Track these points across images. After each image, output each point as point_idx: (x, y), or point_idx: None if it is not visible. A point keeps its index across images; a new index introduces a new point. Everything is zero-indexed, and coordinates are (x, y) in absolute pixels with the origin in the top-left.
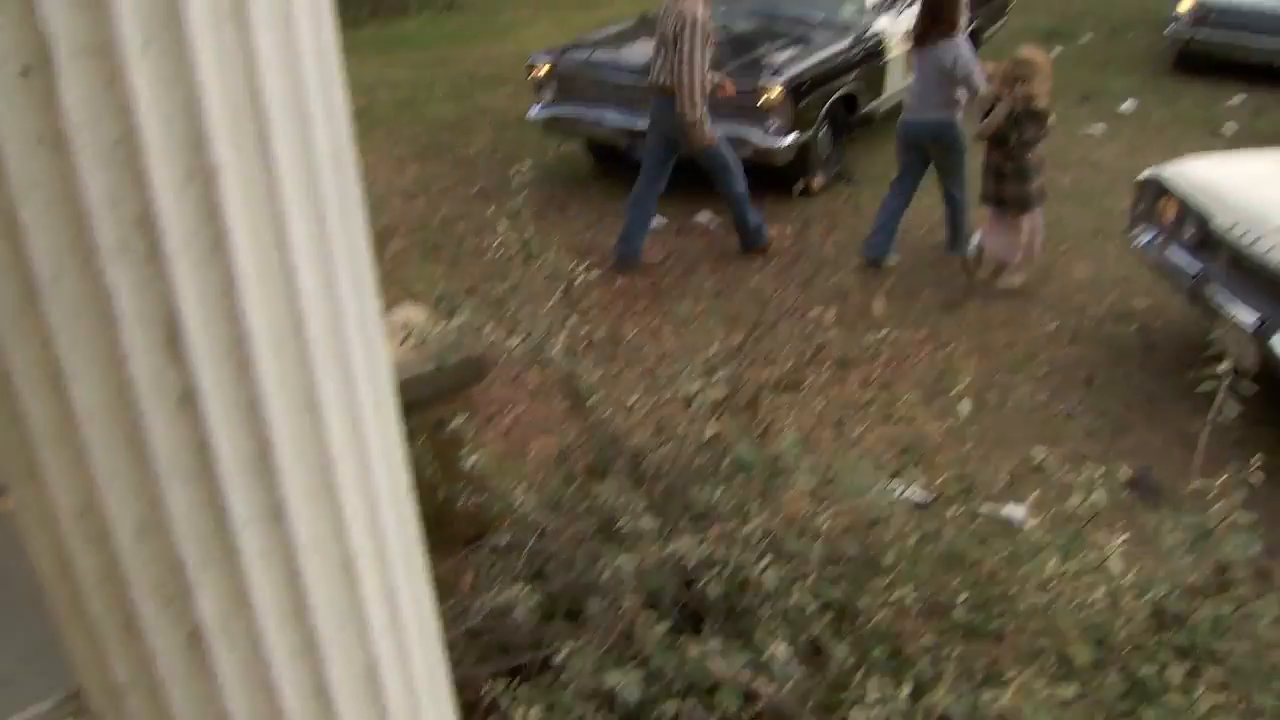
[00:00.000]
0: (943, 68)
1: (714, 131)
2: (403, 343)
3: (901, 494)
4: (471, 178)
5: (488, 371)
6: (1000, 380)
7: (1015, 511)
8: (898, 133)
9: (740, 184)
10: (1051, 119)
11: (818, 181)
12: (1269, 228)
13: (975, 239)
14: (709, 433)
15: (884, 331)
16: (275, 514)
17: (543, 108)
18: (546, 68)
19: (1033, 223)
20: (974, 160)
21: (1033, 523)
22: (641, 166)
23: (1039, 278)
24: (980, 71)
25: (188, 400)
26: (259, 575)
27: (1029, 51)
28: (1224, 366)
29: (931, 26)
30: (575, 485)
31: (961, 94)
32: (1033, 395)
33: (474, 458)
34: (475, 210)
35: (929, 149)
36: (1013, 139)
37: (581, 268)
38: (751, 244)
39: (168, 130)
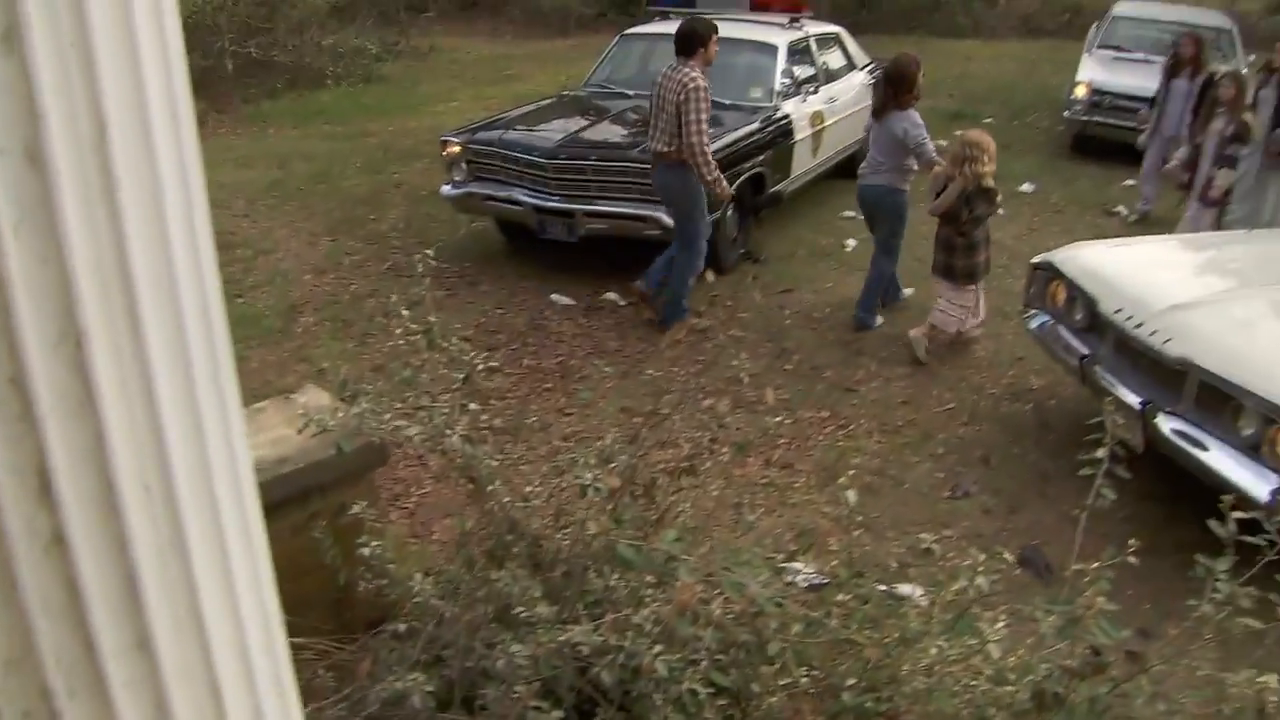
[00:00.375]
0: (895, 138)
1: (729, 188)
2: (303, 429)
3: (796, 578)
4: (384, 253)
5: (389, 456)
6: (899, 460)
7: (908, 591)
8: (857, 195)
9: (700, 262)
10: (999, 196)
11: (710, 275)
12: (1151, 312)
13: (880, 320)
14: (596, 525)
15: (781, 416)
16: (142, 644)
17: (454, 186)
18: (458, 146)
19: (979, 292)
20: (921, 231)
21: (924, 603)
22: (682, 239)
23: (940, 357)
24: (930, 143)
25: (58, 542)
26: (126, 703)
27: (976, 134)
28: (1102, 452)
29: (891, 99)
30: (474, 571)
31: (912, 163)
32: (931, 474)
33: (375, 543)
34: (386, 287)
35: (872, 210)
36: (964, 215)
37: (487, 350)
38: (672, 320)
39: (39, 300)
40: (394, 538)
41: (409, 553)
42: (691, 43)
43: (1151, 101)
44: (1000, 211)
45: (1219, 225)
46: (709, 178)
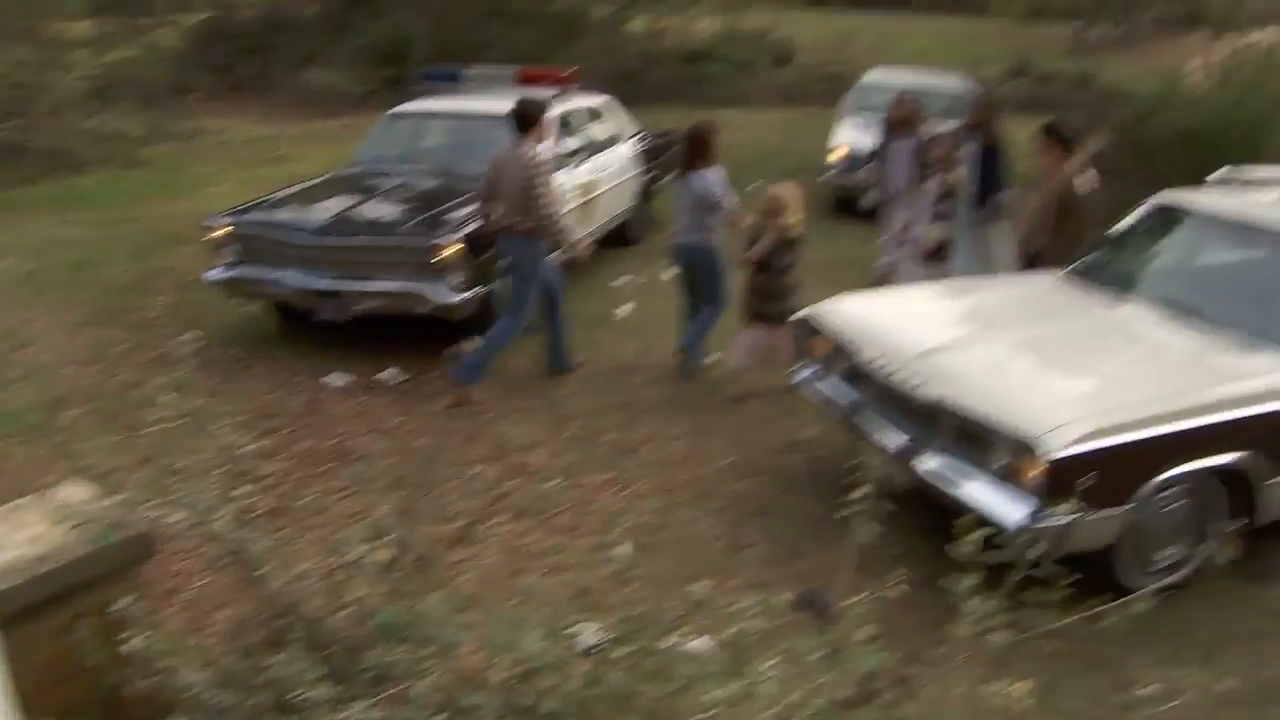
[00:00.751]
0: (698, 196)
1: (590, 247)
2: (63, 525)
3: (577, 640)
4: (151, 341)
5: (155, 548)
6: (680, 516)
7: (694, 644)
8: (670, 253)
9: (515, 326)
10: (803, 245)
11: (470, 346)
12: (905, 359)
13: (710, 358)
14: (363, 594)
15: (557, 480)
16: None
17: (223, 270)
18: (226, 229)
19: (788, 333)
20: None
21: (706, 653)
22: (513, 304)
23: (717, 414)
24: (731, 199)
25: None
26: None
27: (782, 189)
28: (860, 493)
29: (693, 159)
30: (252, 658)
31: (715, 220)
32: (711, 529)
33: (146, 635)
34: (154, 376)
35: (689, 270)
36: (774, 264)
37: (263, 434)
38: (562, 365)
39: None
40: (170, 633)
41: (187, 648)
42: (526, 121)
43: (871, 158)
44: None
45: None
46: (568, 241)
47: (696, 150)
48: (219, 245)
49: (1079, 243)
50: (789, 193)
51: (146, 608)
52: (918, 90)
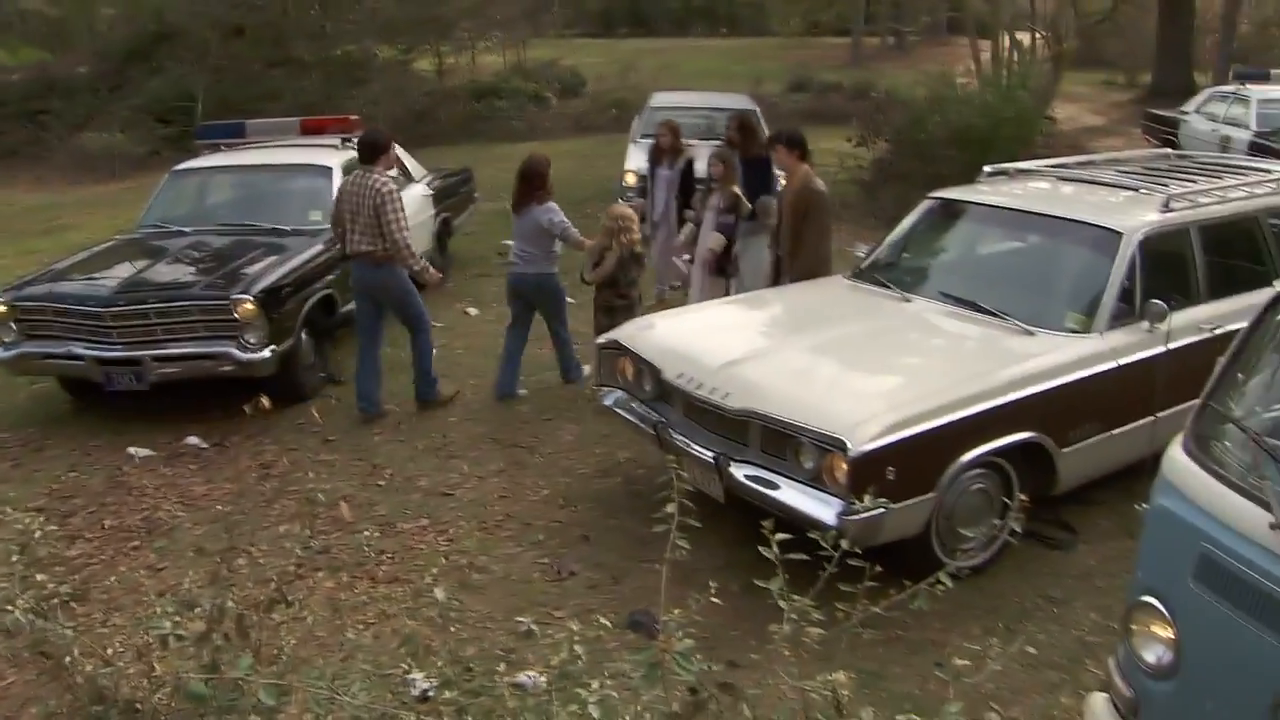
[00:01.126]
0: (540, 227)
1: (436, 273)
2: None
3: (411, 688)
4: None
5: None
6: (501, 553)
7: (522, 678)
8: (507, 285)
9: (428, 336)
10: (647, 260)
11: (265, 401)
12: (708, 372)
13: (587, 369)
14: (176, 670)
15: (373, 530)
16: None
17: (4, 349)
18: (4, 306)
19: None
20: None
21: (535, 685)
22: (359, 330)
23: (528, 446)
24: (572, 226)
25: None
26: None
27: (621, 208)
28: (671, 508)
29: (529, 194)
30: None
31: (558, 247)
32: (534, 562)
33: None
34: None
35: (532, 297)
36: (622, 279)
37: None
38: (428, 395)
39: None
40: None
41: None
42: (374, 150)
43: (643, 190)
44: None
45: (729, 291)
46: (416, 267)
47: (532, 184)
48: (0, 322)
49: (822, 240)
50: (628, 211)
51: None
52: (703, 110)
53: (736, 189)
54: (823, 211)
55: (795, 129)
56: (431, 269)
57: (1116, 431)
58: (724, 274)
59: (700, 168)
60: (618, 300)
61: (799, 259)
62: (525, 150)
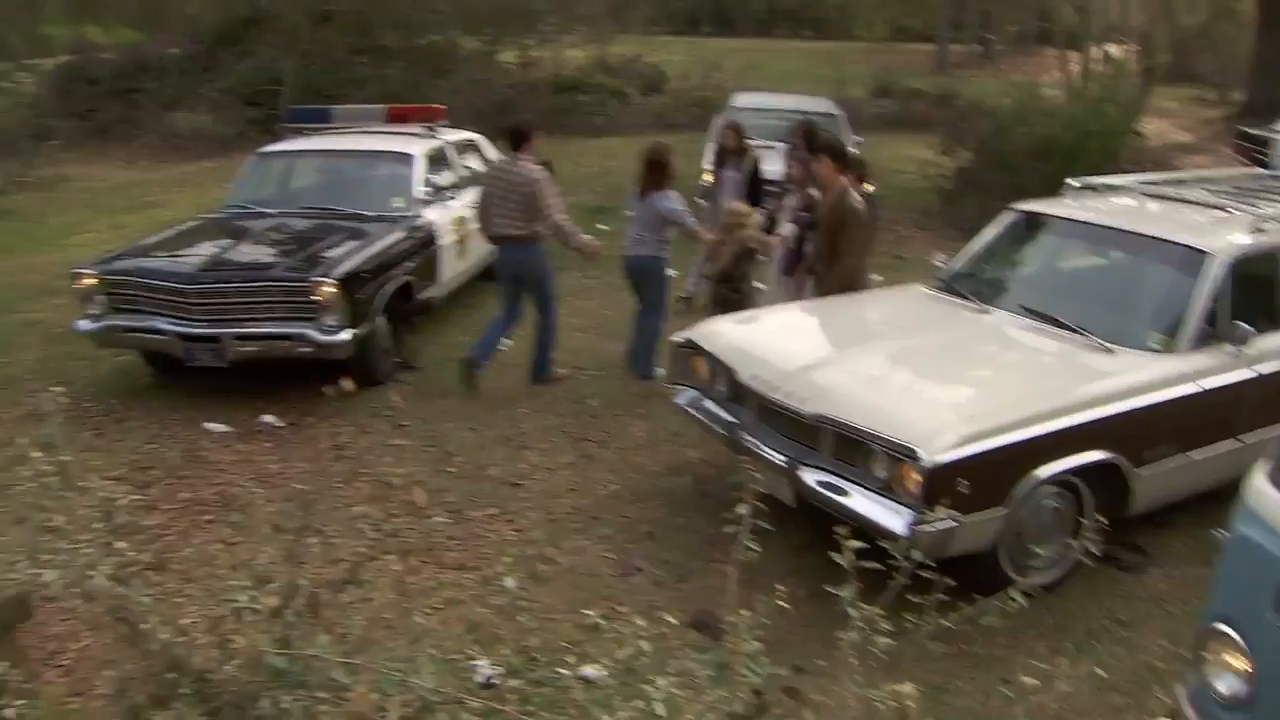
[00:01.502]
0: (658, 214)
1: (599, 244)
2: None
3: (475, 675)
4: (17, 398)
5: (32, 610)
6: (569, 546)
7: (588, 671)
8: (622, 265)
9: (555, 317)
10: (761, 256)
11: (349, 384)
12: (784, 375)
13: (661, 371)
14: (251, 643)
15: (443, 517)
16: None
17: (92, 321)
18: (94, 279)
19: None
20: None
21: (600, 679)
22: (500, 306)
23: (600, 441)
24: (690, 215)
25: None
26: None
27: (738, 205)
28: (742, 509)
29: (652, 182)
30: (138, 719)
31: (670, 234)
32: (600, 556)
33: (20, 703)
34: (22, 433)
35: (638, 278)
36: (736, 274)
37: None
38: (543, 373)
39: None
40: (51, 698)
41: (69, 712)
42: (521, 138)
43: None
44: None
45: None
46: (576, 243)
47: (655, 173)
48: (88, 295)
49: (858, 256)
50: (744, 208)
51: (24, 674)
52: (785, 111)
53: (814, 191)
54: (859, 226)
55: (836, 138)
56: (593, 240)
57: (1195, 455)
58: (796, 276)
59: (768, 169)
60: (731, 294)
61: (831, 274)
62: (606, 145)
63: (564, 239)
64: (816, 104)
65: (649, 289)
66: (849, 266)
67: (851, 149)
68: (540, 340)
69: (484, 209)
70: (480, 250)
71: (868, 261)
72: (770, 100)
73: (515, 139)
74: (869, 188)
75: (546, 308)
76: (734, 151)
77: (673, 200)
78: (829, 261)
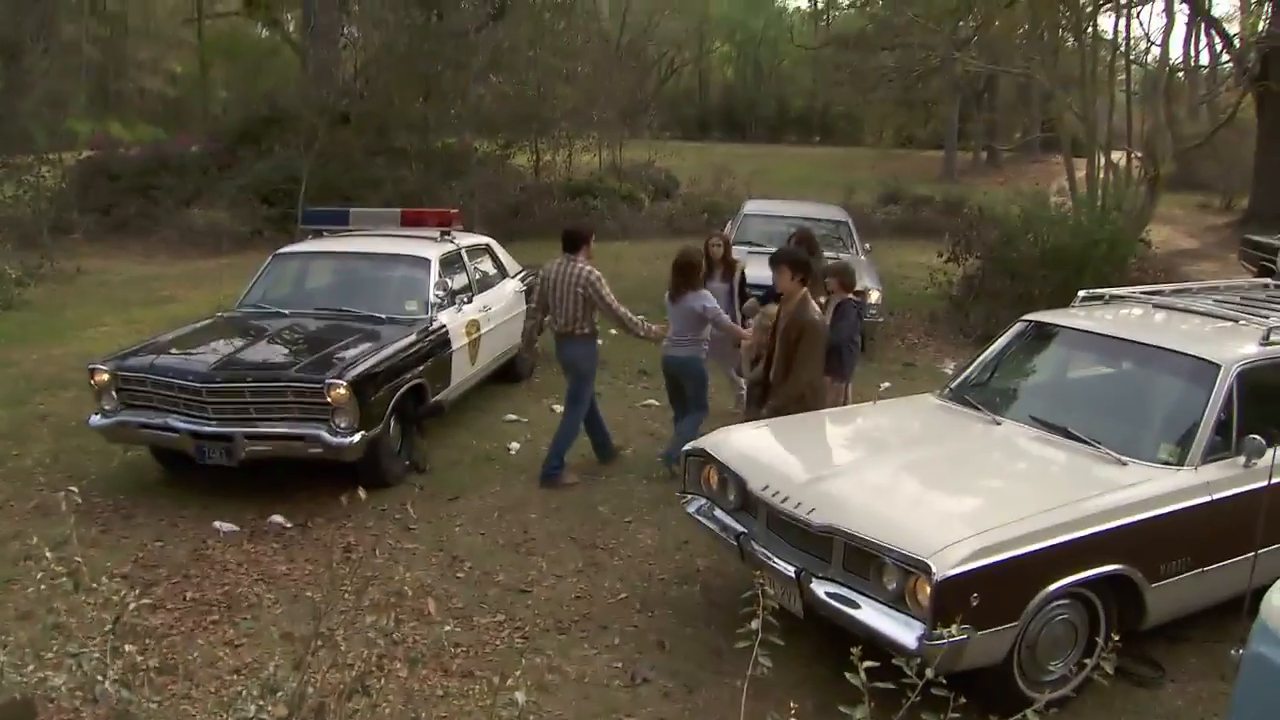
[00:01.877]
0: (695, 313)
1: (662, 329)
2: None
3: None
4: (28, 492)
5: (35, 713)
6: (577, 655)
7: None
8: (661, 366)
9: (579, 417)
10: None
11: (361, 493)
12: (794, 486)
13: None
14: None
15: (451, 625)
16: None
17: (104, 416)
18: (107, 374)
19: None
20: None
21: None
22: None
23: (608, 548)
24: (725, 314)
25: None
26: None
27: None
28: (756, 623)
29: (683, 284)
30: None
31: (709, 332)
32: (609, 665)
33: None
34: (31, 527)
35: (679, 376)
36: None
37: (146, 586)
38: (553, 475)
39: None
40: None
41: None
42: (577, 241)
43: None
44: None
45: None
46: (642, 333)
47: (687, 274)
48: (102, 390)
49: (814, 371)
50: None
51: None
52: (796, 219)
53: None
54: (817, 339)
55: (799, 250)
56: (655, 327)
57: (1210, 568)
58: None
59: (753, 274)
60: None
61: (785, 386)
62: (617, 249)
63: (631, 330)
64: (826, 211)
65: (690, 387)
66: (803, 380)
67: (848, 255)
68: (558, 437)
69: (539, 306)
70: (490, 354)
71: (821, 378)
72: (780, 207)
73: (571, 242)
74: (852, 296)
75: (577, 403)
76: (720, 261)
77: (706, 298)
78: (783, 375)
